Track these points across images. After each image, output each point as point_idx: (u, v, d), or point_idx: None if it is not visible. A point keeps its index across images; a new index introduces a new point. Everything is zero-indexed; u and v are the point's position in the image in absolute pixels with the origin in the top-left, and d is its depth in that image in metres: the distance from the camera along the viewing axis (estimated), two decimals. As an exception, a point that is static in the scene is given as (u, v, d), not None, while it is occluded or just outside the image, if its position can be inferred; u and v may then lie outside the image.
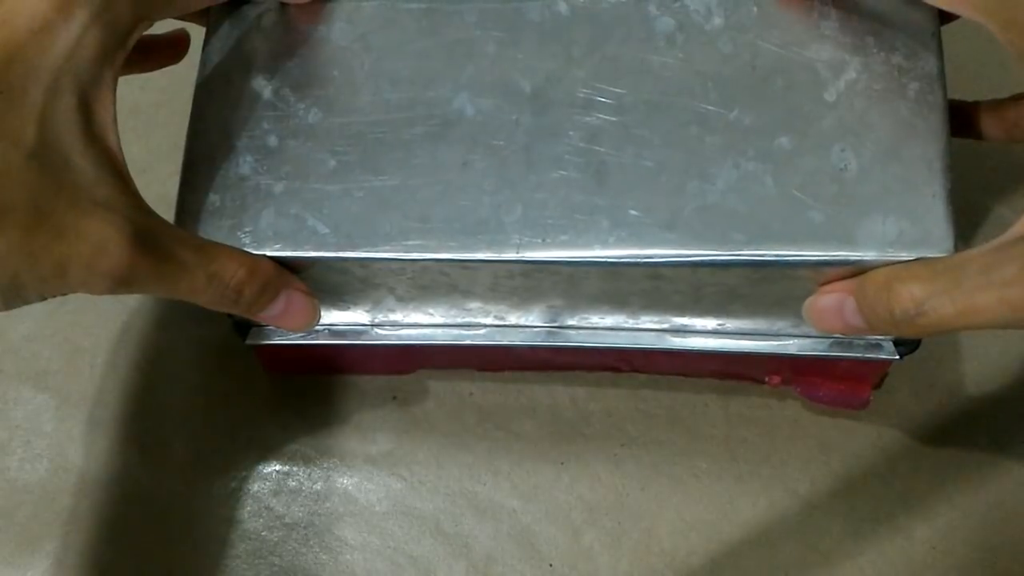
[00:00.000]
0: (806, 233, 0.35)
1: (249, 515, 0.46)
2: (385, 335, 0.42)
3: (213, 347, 0.48)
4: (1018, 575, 0.44)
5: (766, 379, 0.45)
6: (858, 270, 0.35)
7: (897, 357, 0.40)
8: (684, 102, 0.36)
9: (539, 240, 0.35)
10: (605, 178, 0.36)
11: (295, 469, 0.47)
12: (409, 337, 0.42)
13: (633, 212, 0.35)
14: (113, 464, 0.47)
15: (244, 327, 0.42)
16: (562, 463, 0.46)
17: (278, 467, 0.47)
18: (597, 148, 0.36)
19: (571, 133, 0.36)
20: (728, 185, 0.35)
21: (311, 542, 0.45)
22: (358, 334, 0.42)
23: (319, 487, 0.46)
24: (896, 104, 0.35)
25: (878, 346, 0.40)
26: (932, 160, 0.35)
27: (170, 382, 0.48)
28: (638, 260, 0.35)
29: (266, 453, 0.47)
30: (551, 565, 0.45)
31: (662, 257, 0.35)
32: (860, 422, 0.46)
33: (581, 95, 0.37)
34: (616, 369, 0.47)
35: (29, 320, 0.49)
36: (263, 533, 0.45)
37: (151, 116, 0.52)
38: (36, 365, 0.48)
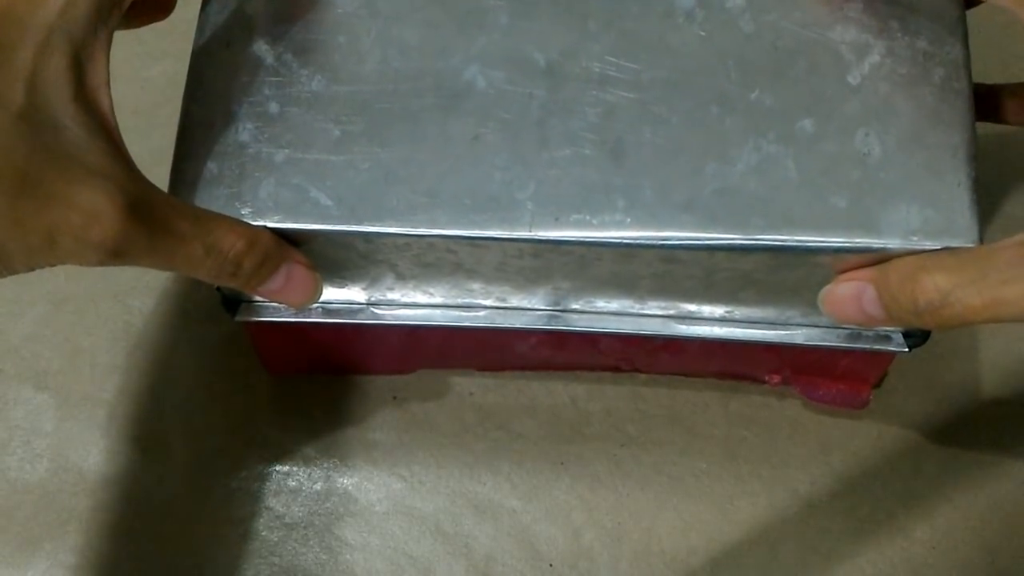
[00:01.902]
0: (828, 219, 0.34)
1: (249, 515, 0.46)
2: (381, 315, 0.41)
3: (214, 347, 0.48)
4: (1018, 575, 0.44)
5: (766, 378, 0.45)
6: (880, 258, 0.34)
7: (906, 349, 0.39)
8: (704, 81, 0.35)
9: (552, 218, 0.34)
10: (621, 157, 0.35)
11: (295, 469, 0.47)
12: (406, 318, 0.41)
13: (650, 192, 0.34)
14: (113, 464, 0.47)
15: (233, 303, 0.41)
16: (562, 463, 0.46)
17: (278, 467, 0.47)
18: (613, 125, 0.35)
19: (586, 109, 0.35)
20: (748, 167, 0.34)
21: (311, 542, 0.45)
22: (353, 313, 0.41)
23: (319, 487, 0.46)
24: (921, 89, 0.35)
25: (887, 338, 0.39)
26: (957, 148, 0.34)
27: (170, 382, 0.48)
28: (654, 242, 0.34)
29: (266, 453, 0.47)
30: (551, 565, 0.45)
31: (678, 240, 0.34)
32: (860, 421, 0.46)
33: (597, 70, 0.36)
34: (617, 369, 0.47)
35: (29, 320, 0.49)
36: (263, 533, 0.45)
37: (151, 116, 0.52)
38: (36, 365, 0.48)
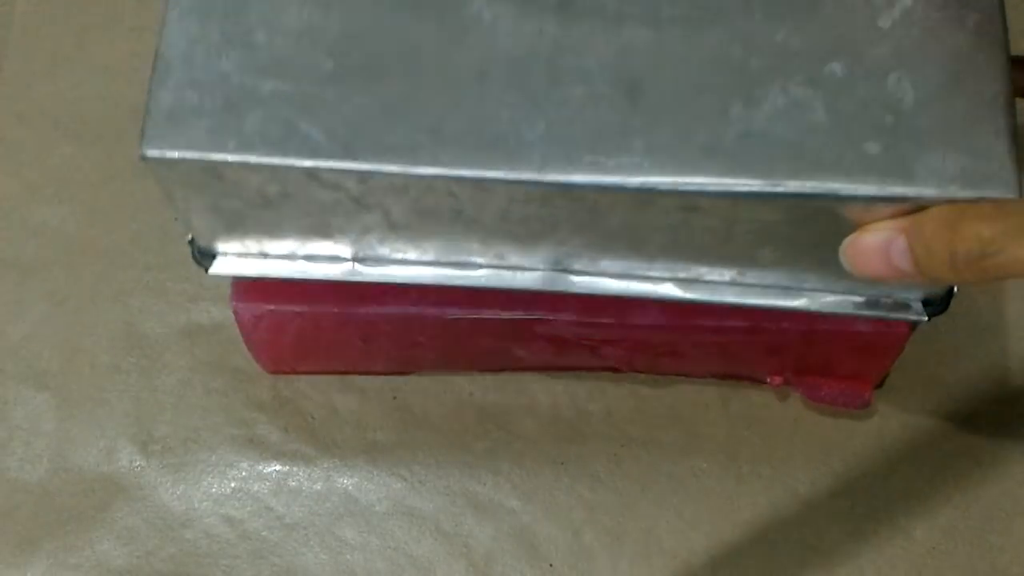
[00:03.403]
0: (860, 166, 0.32)
1: (249, 515, 0.46)
2: (368, 272, 0.38)
3: (213, 347, 0.48)
4: (1018, 575, 0.44)
5: (768, 379, 0.45)
6: (912, 208, 0.32)
7: (925, 318, 0.38)
8: (727, 20, 0.33)
9: (564, 160, 0.32)
10: (638, 97, 0.33)
11: (295, 469, 0.47)
12: (395, 276, 0.38)
13: (669, 134, 0.32)
14: (113, 464, 0.47)
15: (207, 256, 0.38)
16: (562, 463, 0.46)
17: (278, 467, 0.47)
18: (630, 64, 0.33)
19: (601, 47, 0.33)
20: (775, 111, 0.33)
21: (311, 542, 0.45)
22: (338, 268, 0.38)
23: (319, 487, 0.46)
24: (954, 35, 0.33)
25: (906, 306, 0.38)
26: (994, 95, 0.33)
27: (170, 382, 0.48)
28: (673, 187, 0.32)
29: (266, 453, 0.47)
30: (551, 565, 0.45)
31: (700, 186, 0.32)
32: (861, 422, 0.46)
33: (612, 6, 0.34)
34: (616, 369, 0.46)
35: (29, 320, 0.49)
36: (263, 533, 0.45)
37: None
38: (36, 365, 0.48)
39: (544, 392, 0.47)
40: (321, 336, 0.44)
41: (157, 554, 0.45)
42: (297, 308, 0.42)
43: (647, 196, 0.33)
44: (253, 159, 0.33)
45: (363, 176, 0.33)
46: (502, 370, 0.47)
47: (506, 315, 0.42)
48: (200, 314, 0.49)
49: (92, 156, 0.52)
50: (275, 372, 0.48)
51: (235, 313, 0.43)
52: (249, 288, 0.42)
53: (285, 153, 0.33)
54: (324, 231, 0.37)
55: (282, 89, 0.33)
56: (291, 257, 0.38)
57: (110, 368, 0.48)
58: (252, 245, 0.38)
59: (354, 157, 0.33)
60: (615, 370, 0.47)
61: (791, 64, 0.33)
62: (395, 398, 0.48)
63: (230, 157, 0.33)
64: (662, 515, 0.45)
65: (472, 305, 0.42)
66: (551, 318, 0.42)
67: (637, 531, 0.45)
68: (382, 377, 0.48)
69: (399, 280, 0.38)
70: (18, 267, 0.50)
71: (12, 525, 0.46)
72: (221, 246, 0.38)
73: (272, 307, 0.42)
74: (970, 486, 0.45)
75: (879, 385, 0.46)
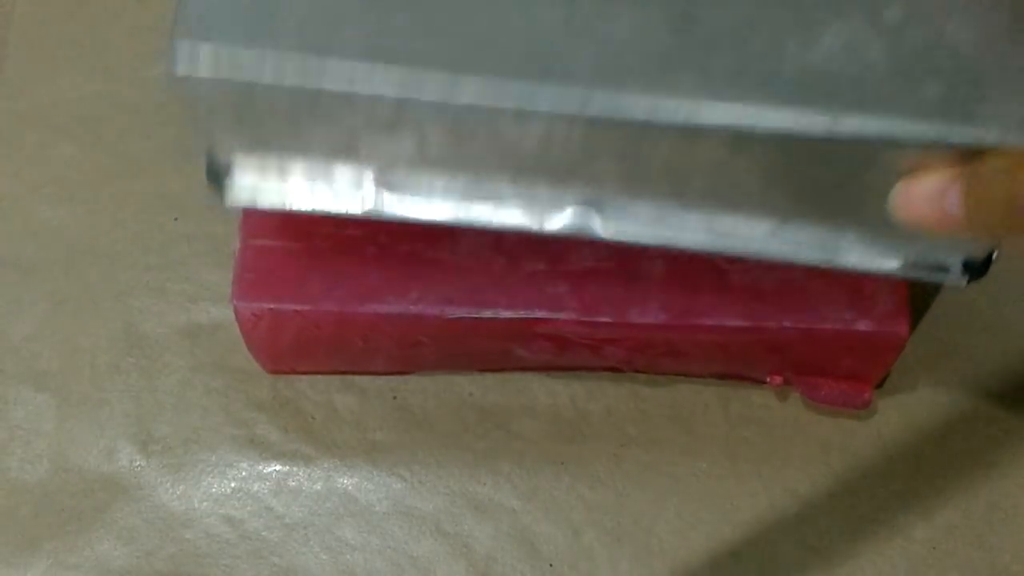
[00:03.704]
0: (919, 108, 0.31)
1: (249, 515, 0.46)
2: (390, 205, 0.36)
3: (213, 347, 0.48)
4: (1018, 575, 0.44)
5: (768, 380, 0.45)
6: (970, 154, 0.31)
7: (963, 283, 0.37)
8: None
9: (612, 89, 0.32)
10: (692, 27, 0.32)
11: (295, 469, 0.47)
12: (418, 213, 0.36)
13: (723, 67, 0.32)
14: (113, 464, 0.47)
15: (223, 173, 0.37)
16: (562, 463, 0.46)
17: (278, 467, 0.47)
18: None
19: None
20: (833, 48, 0.32)
21: (311, 542, 0.45)
22: (359, 198, 0.37)
23: (319, 487, 0.46)
24: None
25: (944, 269, 0.36)
26: None
27: (169, 382, 0.48)
28: (723, 122, 0.31)
29: (266, 453, 0.47)
30: (551, 565, 0.45)
31: (751, 120, 0.31)
32: (860, 422, 0.46)
33: None
34: (616, 369, 0.46)
35: (29, 320, 0.49)
36: (263, 533, 0.45)
37: (151, 116, 0.52)
38: (36, 365, 0.48)
39: (544, 392, 0.47)
40: (321, 336, 0.44)
41: (157, 554, 0.45)
42: (297, 307, 0.42)
43: (694, 130, 0.32)
44: (287, 77, 0.32)
45: (400, 96, 0.32)
46: (502, 370, 0.47)
47: (506, 315, 0.42)
48: (200, 314, 0.49)
49: (92, 156, 0.52)
50: (275, 372, 0.48)
51: (235, 311, 0.43)
52: (250, 286, 0.42)
53: (321, 71, 0.32)
54: (352, 155, 0.36)
55: (318, 2, 0.32)
56: (311, 179, 0.37)
57: (110, 368, 0.48)
58: (273, 165, 0.37)
59: (391, 77, 0.32)
60: (615, 370, 0.47)
61: (849, 3, 0.32)
62: (395, 398, 0.48)
63: (263, 74, 0.32)
64: (662, 515, 0.45)
65: (472, 304, 0.42)
66: (551, 318, 0.42)
67: (637, 531, 0.45)
68: (382, 377, 0.48)
69: (422, 218, 0.37)
70: (18, 267, 0.50)
71: (12, 525, 0.46)
72: (239, 167, 0.37)
73: (272, 306, 0.42)
74: (970, 486, 0.45)
75: (879, 385, 0.46)
